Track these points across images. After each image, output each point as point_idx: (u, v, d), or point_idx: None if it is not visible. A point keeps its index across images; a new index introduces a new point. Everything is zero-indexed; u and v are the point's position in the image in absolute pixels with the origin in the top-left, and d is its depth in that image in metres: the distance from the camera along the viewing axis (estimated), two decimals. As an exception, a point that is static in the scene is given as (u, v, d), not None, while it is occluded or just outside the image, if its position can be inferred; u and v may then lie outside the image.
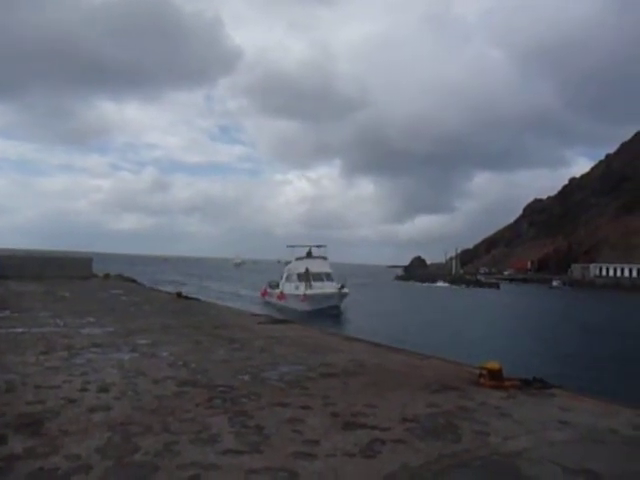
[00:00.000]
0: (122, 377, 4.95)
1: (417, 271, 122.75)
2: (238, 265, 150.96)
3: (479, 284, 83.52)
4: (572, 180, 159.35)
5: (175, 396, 4.31)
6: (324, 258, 36.92)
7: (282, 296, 34.60)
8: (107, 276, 25.83)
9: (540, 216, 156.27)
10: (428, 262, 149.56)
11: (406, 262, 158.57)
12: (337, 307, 31.46)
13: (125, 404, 4.05)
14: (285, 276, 36.34)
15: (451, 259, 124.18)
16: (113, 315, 10.11)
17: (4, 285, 17.10)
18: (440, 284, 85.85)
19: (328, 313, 29.27)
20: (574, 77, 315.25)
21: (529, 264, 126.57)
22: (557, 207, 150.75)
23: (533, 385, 4.93)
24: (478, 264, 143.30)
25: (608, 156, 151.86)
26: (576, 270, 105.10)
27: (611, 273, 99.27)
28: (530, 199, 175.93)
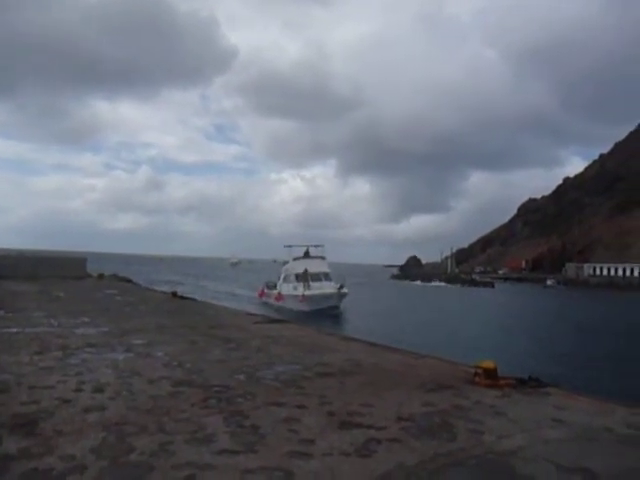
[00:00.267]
0: (117, 377, 4.93)
1: (413, 270, 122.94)
2: (234, 265, 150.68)
3: (474, 283, 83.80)
4: (566, 180, 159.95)
5: (170, 396, 4.30)
6: (322, 258, 36.46)
7: (280, 297, 34.06)
8: (101, 276, 25.74)
9: (535, 215, 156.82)
10: (424, 261, 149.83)
11: (402, 261, 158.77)
12: (336, 307, 31.23)
13: (120, 404, 4.03)
14: (283, 276, 35.83)
15: (446, 258, 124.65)
16: (108, 315, 10.08)
17: (-2, 285, 16.99)
18: (435, 283, 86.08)
19: (328, 313, 29.05)
20: (568, 77, 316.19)
21: (524, 263, 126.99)
22: (551, 207, 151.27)
23: (528, 384, 4.95)
24: (473, 263, 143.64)
25: (602, 156, 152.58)
26: (570, 269, 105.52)
27: (605, 272, 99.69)
28: (525, 199, 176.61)
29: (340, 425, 3.61)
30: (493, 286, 78.04)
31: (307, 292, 31.10)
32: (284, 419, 3.72)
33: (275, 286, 36.59)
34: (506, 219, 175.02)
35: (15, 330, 7.76)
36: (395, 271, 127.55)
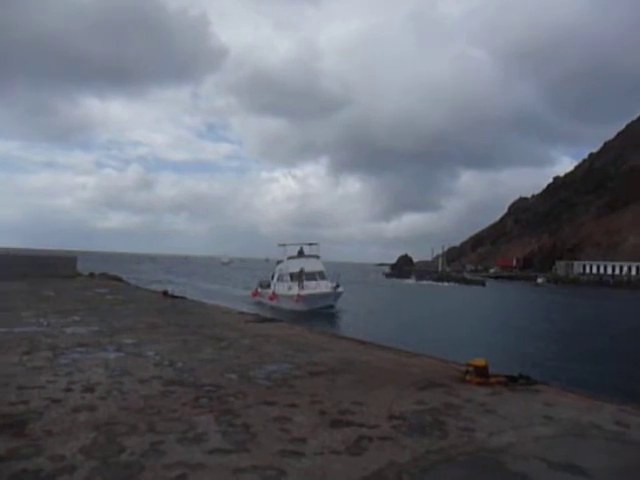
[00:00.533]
0: (107, 377, 4.90)
1: (404, 269, 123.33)
2: (226, 263, 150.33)
3: (465, 281, 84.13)
4: (556, 179, 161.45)
5: (161, 395, 4.28)
6: (316, 257, 35.81)
7: (274, 296, 33.54)
8: (92, 275, 25.58)
9: (525, 214, 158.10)
10: (415, 260, 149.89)
11: (393, 260, 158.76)
12: (332, 307, 31.04)
13: (110, 404, 4.01)
14: (277, 276, 35.22)
15: (438, 257, 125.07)
16: (98, 314, 10.00)
17: (-14, 284, 16.82)
18: (427, 282, 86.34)
19: (323, 313, 28.85)
20: (557, 77, 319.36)
21: (514, 261, 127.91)
22: (542, 205, 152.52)
23: (518, 381, 4.98)
24: (464, 262, 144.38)
25: (591, 155, 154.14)
26: (560, 267, 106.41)
27: (594, 270, 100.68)
28: (515, 197, 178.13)
29: (331, 423, 3.61)
30: (484, 284, 78.41)
31: (303, 292, 30.74)
32: (275, 418, 3.72)
33: (269, 285, 35.96)
34: (497, 218, 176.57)
35: (4, 330, 7.68)
36: (386, 270, 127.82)
